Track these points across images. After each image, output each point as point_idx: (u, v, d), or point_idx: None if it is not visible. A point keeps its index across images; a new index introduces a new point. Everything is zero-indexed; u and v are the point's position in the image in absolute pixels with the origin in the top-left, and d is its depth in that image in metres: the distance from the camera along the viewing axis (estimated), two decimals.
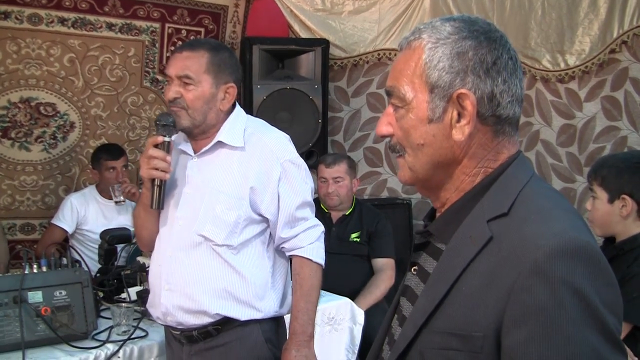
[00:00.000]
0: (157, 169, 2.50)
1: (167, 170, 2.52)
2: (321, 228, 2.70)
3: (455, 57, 1.28)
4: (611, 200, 2.57)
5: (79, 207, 4.65)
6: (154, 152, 2.50)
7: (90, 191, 4.78)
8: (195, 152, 2.63)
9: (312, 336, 2.60)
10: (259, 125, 2.69)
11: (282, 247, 2.64)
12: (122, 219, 4.67)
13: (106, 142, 5.05)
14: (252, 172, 2.52)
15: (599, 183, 2.58)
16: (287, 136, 2.67)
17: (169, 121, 2.52)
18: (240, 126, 2.61)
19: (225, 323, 2.58)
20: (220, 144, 2.58)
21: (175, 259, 2.58)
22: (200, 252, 2.55)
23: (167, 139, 2.53)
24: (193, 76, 2.50)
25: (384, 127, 1.38)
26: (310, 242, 2.62)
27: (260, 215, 2.57)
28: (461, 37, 1.29)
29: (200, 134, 2.60)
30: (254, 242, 2.60)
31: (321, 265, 2.66)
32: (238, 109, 2.68)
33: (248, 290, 2.56)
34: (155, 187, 2.53)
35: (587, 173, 2.75)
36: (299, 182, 2.60)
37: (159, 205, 2.56)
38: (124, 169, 4.69)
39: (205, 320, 2.56)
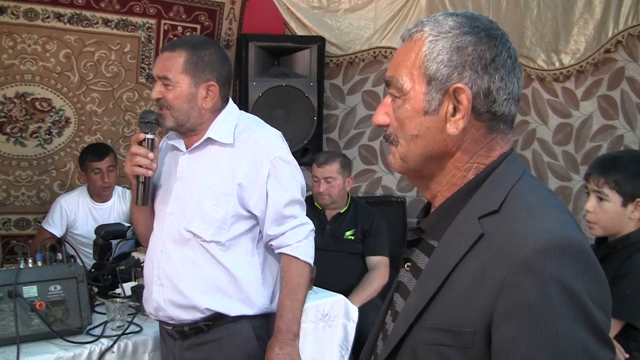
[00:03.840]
0: (140, 165, 2.53)
1: (149, 167, 2.54)
2: (310, 226, 2.68)
3: (454, 51, 1.29)
4: (625, 204, 2.57)
5: (69, 211, 4.61)
6: (136, 149, 2.54)
7: (81, 193, 4.70)
8: (187, 148, 2.65)
9: (297, 335, 2.60)
10: (251, 121, 2.69)
11: (270, 245, 2.64)
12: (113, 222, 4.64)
13: (101, 137, 5.05)
14: (240, 169, 2.53)
15: (612, 187, 2.56)
16: (279, 133, 2.67)
17: (151, 119, 2.56)
18: (231, 123, 2.61)
19: (216, 319, 2.59)
20: (210, 140, 2.59)
21: (166, 254, 2.61)
22: (189, 248, 2.57)
23: (149, 136, 2.56)
24: (170, 77, 2.52)
25: (381, 116, 1.39)
26: (297, 240, 2.61)
27: (249, 211, 2.57)
28: (462, 32, 1.29)
29: (188, 132, 2.61)
30: (243, 239, 2.60)
31: (309, 264, 2.65)
32: (231, 106, 2.68)
33: (237, 286, 2.57)
34: (140, 184, 2.56)
35: (585, 172, 2.74)
36: (288, 179, 2.59)
37: (144, 201, 2.59)
38: (110, 170, 4.58)
39: (196, 315, 2.58)
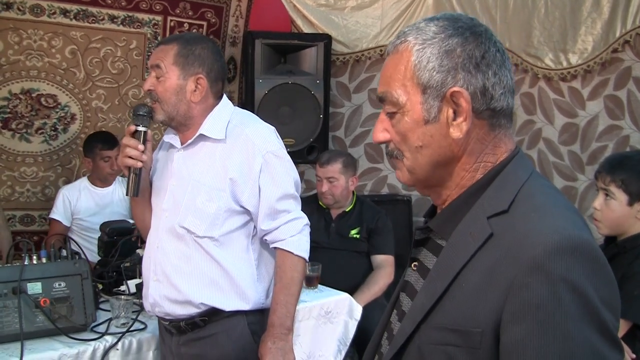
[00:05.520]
0: (130, 157, 2.56)
1: (139, 158, 2.57)
2: (304, 221, 2.69)
3: (444, 56, 1.28)
4: (631, 203, 2.57)
5: (71, 198, 4.65)
6: (127, 141, 2.58)
7: (82, 182, 4.77)
8: (181, 145, 2.67)
9: (290, 329, 2.61)
10: (244, 117, 2.71)
11: (265, 239, 2.65)
12: (115, 207, 4.68)
13: None
14: (233, 164, 2.54)
15: (618, 185, 2.57)
16: (272, 128, 2.69)
17: (143, 111, 2.60)
18: (224, 119, 2.63)
19: (211, 314, 2.61)
20: (202, 137, 2.61)
21: (162, 250, 2.64)
22: (184, 244, 2.60)
23: (140, 128, 2.60)
24: (162, 66, 2.57)
25: (380, 133, 1.38)
26: (291, 235, 2.62)
27: (242, 207, 2.58)
28: (447, 35, 1.29)
29: (180, 126, 2.65)
30: (237, 234, 2.61)
31: (303, 258, 2.65)
32: (224, 102, 2.70)
33: (232, 282, 2.59)
34: (132, 175, 2.59)
35: (595, 171, 2.74)
36: (280, 173, 2.60)
37: (135, 192, 2.62)
38: (117, 157, 4.63)
39: (192, 310, 2.60)
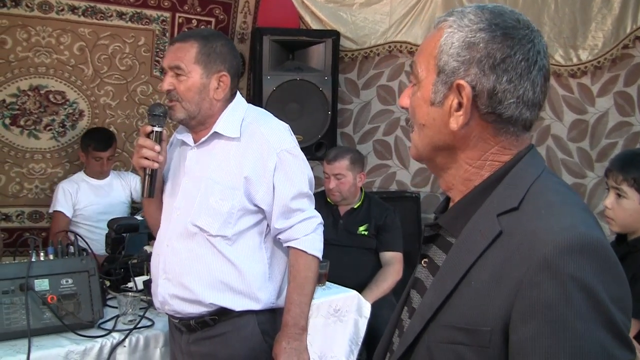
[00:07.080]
0: (146, 158, 2.53)
1: (156, 160, 2.54)
2: (318, 219, 2.67)
3: (465, 46, 1.26)
4: None
5: (71, 190, 4.68)
6: (143, 142, 2.55)
7: (79, 175, 4.82)
8: (194, 143, 2.64)
9: (304, 329, 2.59)
10: (258, 115, 2.68)
11: (278, 238, 2.63)
12: (115, 196, 4.75)
13: (115, 131, 5.03)
14: (247, 163, 2.52)
15: (630, 184, 2.53)
16: (287, 126, 2.66)
17: (159, 111, 2.56)
18: (238, 116, 2.61)
19: (221, 313, 2.59)
20: (217, 134, 2.58)
21: (172, 248, 2.61)
22: (195, 243, 2.57)
23: (157, 128, 2.56)
24: (183, 67, 2.52)
25: (405, 99, 1.39)
26: (305, 234, 2.60)
27: (256, 205, 2.56)
28: (478, 27, 1.26)
29: (198, 125, 2.61)
30: (250, 233, 2.59)
31: (317, 258, 2.63)
32: (238, 99, 2.68)
33: (243, 281, 2.57)
34: (146, 176, 2.57)
35: (605, 169, 2.71)
36: (295, 172, 2.58)
37: (150, 193, 2.59)
38: (109, 159, 4.75)
39: (201, 309, 2.58)
